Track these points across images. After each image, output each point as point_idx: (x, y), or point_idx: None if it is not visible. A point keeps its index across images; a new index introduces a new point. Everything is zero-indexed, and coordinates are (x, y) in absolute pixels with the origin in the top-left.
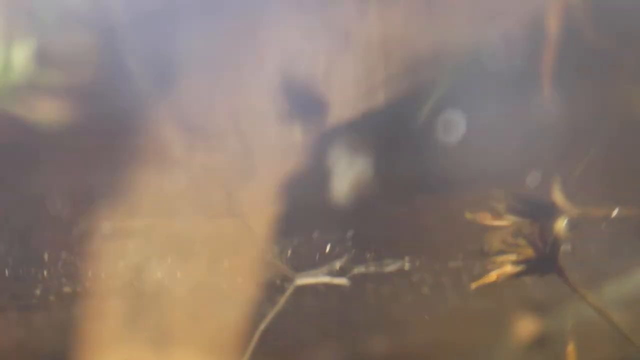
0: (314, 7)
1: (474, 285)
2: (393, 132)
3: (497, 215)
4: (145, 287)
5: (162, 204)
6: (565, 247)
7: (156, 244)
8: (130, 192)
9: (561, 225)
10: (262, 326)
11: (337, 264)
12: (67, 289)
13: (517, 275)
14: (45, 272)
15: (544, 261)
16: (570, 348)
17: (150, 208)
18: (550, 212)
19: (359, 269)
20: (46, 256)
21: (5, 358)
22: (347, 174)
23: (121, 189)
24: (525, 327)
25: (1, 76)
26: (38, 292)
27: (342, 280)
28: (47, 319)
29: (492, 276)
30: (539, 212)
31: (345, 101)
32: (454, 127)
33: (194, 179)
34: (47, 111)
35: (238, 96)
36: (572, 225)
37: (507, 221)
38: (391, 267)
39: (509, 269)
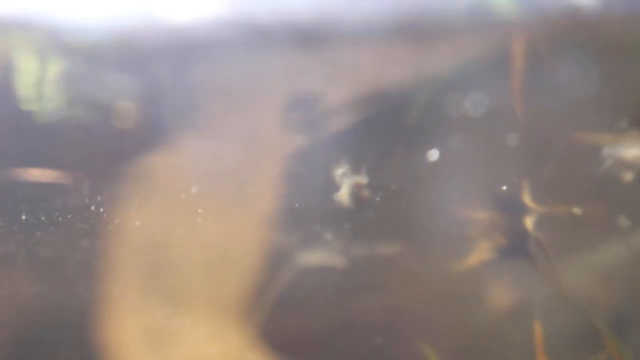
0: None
1: (455, 268)
2: (381, 139)
3: (476, 210)
4: (157, 252)
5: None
6: (534, 238)
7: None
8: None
9: (530, 220)
10: (268, 300)
11: (336, 249)
12: (84, 252)
13: (493, 260)
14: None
15: (515, 249)
16: (537, 324)
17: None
18: (520, 209)
19: (354, 253)
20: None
21: (20, 314)
22: (342, 177)
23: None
24: (500, 303)
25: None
26: (56, 252)
27: (339, 263)
28: (65, 279)
29: (471, 261)
30: (512, 208)
31: (339, 114)
32: (436, 140)
33: (204, 175)
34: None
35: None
36: (540, 220)
37: (484, 215)
38: (383, 251)
39: (485, 255)
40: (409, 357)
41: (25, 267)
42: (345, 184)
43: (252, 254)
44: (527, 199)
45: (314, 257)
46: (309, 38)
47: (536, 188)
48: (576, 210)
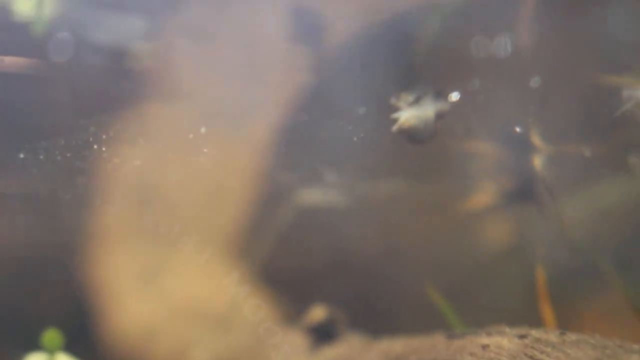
0: None
1: (458, 208)
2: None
3: (482, 148)
4: (153, 189)
5: (169, 128)
6: (541, 179)
7: (164, 151)
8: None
9: (538, 161)
10: (264, 237)
11: (338, 184)
12: (79, 188)
13: (498, 204)
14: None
15: (521, 191)
16: (540, 267)
17: (157, 130)
18: (528, 149)
19: (359, 190)
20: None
21: (18, 252)
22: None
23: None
24: (502, 241)
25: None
26: (50, 190)
27: (341, 200)
28: (58, 216)
29: (475, 202)
30: (519, 149)
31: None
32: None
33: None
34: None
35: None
36: (548, 161)
37: (491, 154)
38: (385, 190)
39: (489, 198)
40: (409, 297)
41: (22, 203)
42: (413, 111)
43: (249, 186)
44: (535, 138)
45: (314, 196)
46: None
47: (545, 127)
48: (586, 150)
